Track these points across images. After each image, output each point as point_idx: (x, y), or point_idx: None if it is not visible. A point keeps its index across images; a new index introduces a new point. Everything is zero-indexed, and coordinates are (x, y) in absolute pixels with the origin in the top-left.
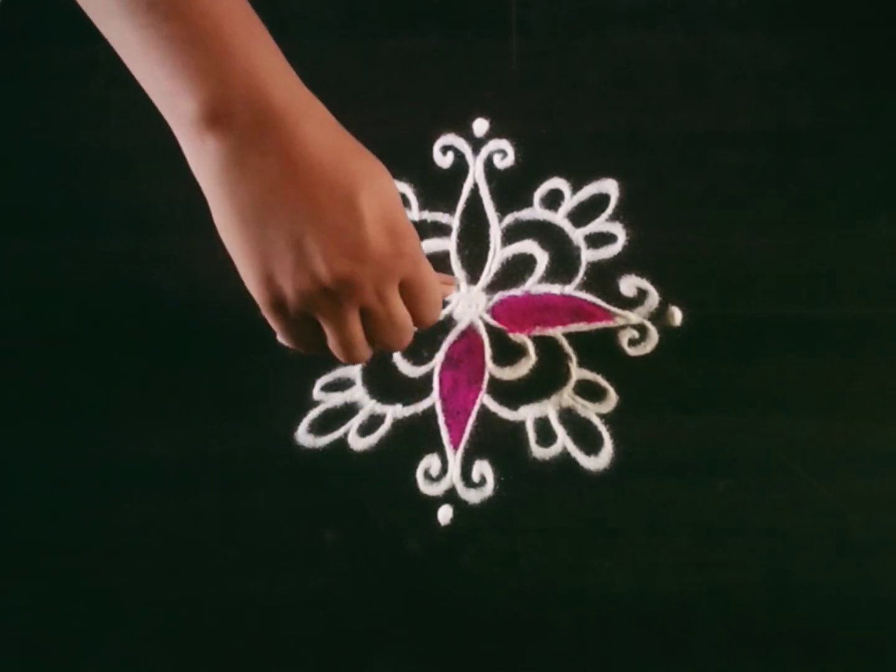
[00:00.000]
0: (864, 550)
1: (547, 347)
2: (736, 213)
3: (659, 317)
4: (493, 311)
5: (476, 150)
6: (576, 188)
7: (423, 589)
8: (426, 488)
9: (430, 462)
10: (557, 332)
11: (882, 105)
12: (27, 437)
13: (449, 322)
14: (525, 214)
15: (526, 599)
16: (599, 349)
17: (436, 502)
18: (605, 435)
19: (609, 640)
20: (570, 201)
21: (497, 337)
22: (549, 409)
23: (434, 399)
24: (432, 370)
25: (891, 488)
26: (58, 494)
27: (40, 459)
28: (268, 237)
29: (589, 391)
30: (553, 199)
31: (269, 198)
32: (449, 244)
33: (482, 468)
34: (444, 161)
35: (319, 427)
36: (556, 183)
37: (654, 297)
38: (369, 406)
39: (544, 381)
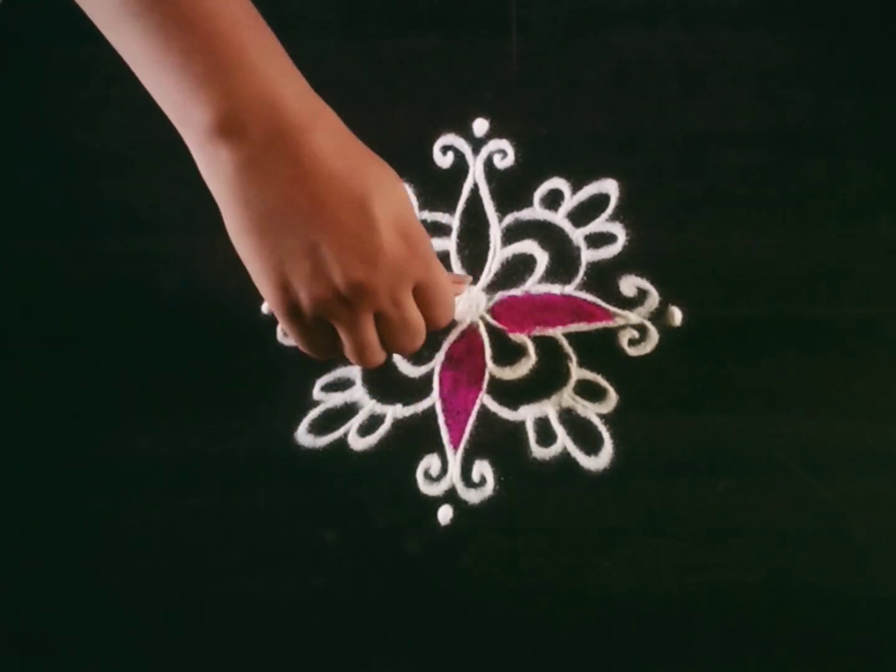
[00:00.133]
0: (864, 550)
1: (547, 347)
2: (736, 213)
3: (659, 317)
4: (494, 311)
5: (476, 150)
6: (576, 188)
7: (423, 589)
8: (426, 488)
9: (430, 462)
10: (557, 332)
11: (882, 105)
12: (27, 437)
13: (449, 322)
14: (525, 214)
15: (526, 599)
16: (599, 349)
17: (436, 502)
18: (605, 435)
19: (609, 640)
20: (570, 201)
21: (497, 337)
22: (549, 409)
23: (434, 399)
24: (432, 370)
25: (891, 488)
26: (58, 494)
27: (40, 459)
28: (282, 245)
29: (589, 391)
30: (553, 199)
31: (283, 206)
32: (449, 244)
33: (482, 468)
34: (444, 161)
35: (319, 427)
36: (556, 183)
37: (654, 297)
38: (369, 406)
39: (544, 381)
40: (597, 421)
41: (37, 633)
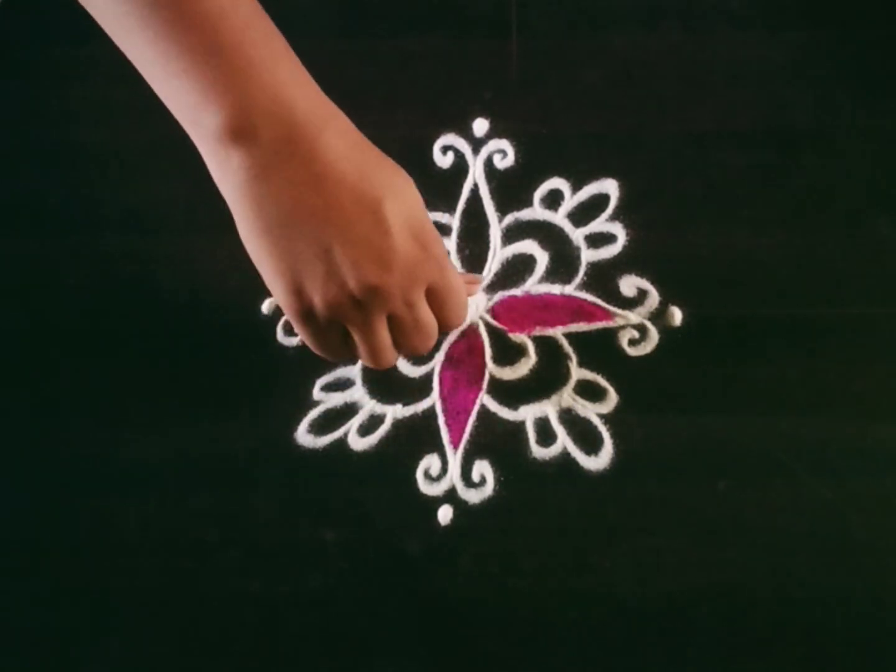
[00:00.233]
0: (864, 550)
1: (547, 347)
2: (736, 213)
3: (659, 317)
4: (494, 311)
5: (476, 150)
6: (576, 188)
7: (423, 589)
8: (426, 488)
9: (430, 462)
10: (557, 332)
11: (882, 105)
12: (27, 437)
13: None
14: (525, 214)
15: (526, 599)
16: (599, 349)
17: (436, 502)
18: (605, 435)
19: (609, 640)
20: (570, 201)
21: (497, 337)
22: (549, 409)
23: (434, 399)
24: (432, 370)
25: (891, 488)
26: (58, 494)
27: (40, 459)
28: (296, 249)
29: (589, 391)
30: (553, 199)
31: (296, 210)
32: (449, 244)
33: (482, 468)
34: (444, 161)
35: (319, 427)
36: (556, 183)
37: (654, 297)
38: (369, 406)
39: (544, 381)
40: (597, 421)
41: (37, 633)
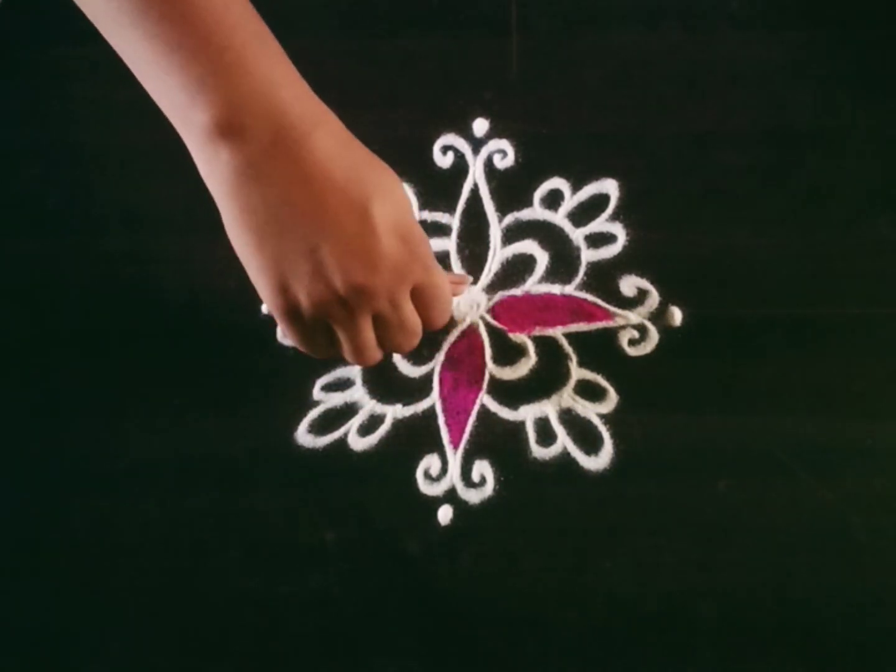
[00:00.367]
0: (864, 550)
1: (547, 347)
2: (736, 213)
3: (659, 317)
4: (494, 311)
5: (476, 150)
6: (576, 188)
7: (423, 589)
8: (426, 488)
9: (430, 462)
10: (557, 332)
11: (882, 105)
12: (27, 437)
13: (449, 322)
14: (525, 214)
15: (526, 599)
16: (599, 349)
17: (436, 502)
18: (605, 435)
19: (609, 640)
20: (570, 201)
21: (497, 337)
22: (549, 409)
23: (434, 399)
24: (432, 370)
25: (891, 488)
26: (58, 494)
27: (40, 459)
28: (282, 247)
29: (589, 391)
30: (553, 199)
31: (284, 209)
32: (449, 244)
33: (482, 468)
34: (444, 161)
35: (319, 427)
36: (556, 183)
37: (654, 297)
38: (369, 406)
39: (544, 381)
40: (597, 421)
41: (37, 633)
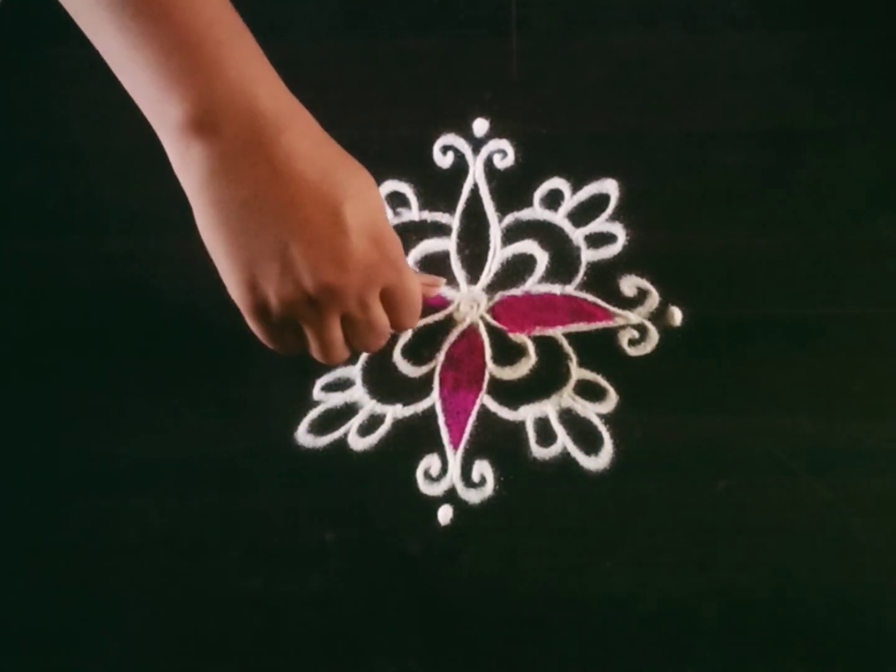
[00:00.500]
0: (864, 550)
1: (547, 347)
2: (736, 213)
3: (659, 317)
4: (494, 311)
5: (476, 150)
6: (576, 188)
7: (423, 589)
8: (426, 488)
9: (430, 462)
10: (557, 332)
11: (882, 105)
12: (27, 437)
13: (449, 322)
14: (525, 214)
15: (526, 599)
16: (599, 349)
17: (436, 502)
18: (605, 435)
19: (609, 641)
20: (570, 201)
21: (497, 337)
22: (549, 409)
23: (434, 399)
24: (433, 370)
25: (891, 488)
26: (58, 494)
27: (40, 459)
28: (252, 245)
29: (589, 391)
30: (553, 199)
31: (254, 206)
32: (449, 244)
33: (482, 468)
34: (444, 161)
35: (319, 427)
36: (556, 183)
37: (654, 297)
38: (369, 406)
39: (544, 381)
40: (597, 421)
41: (37, 633)
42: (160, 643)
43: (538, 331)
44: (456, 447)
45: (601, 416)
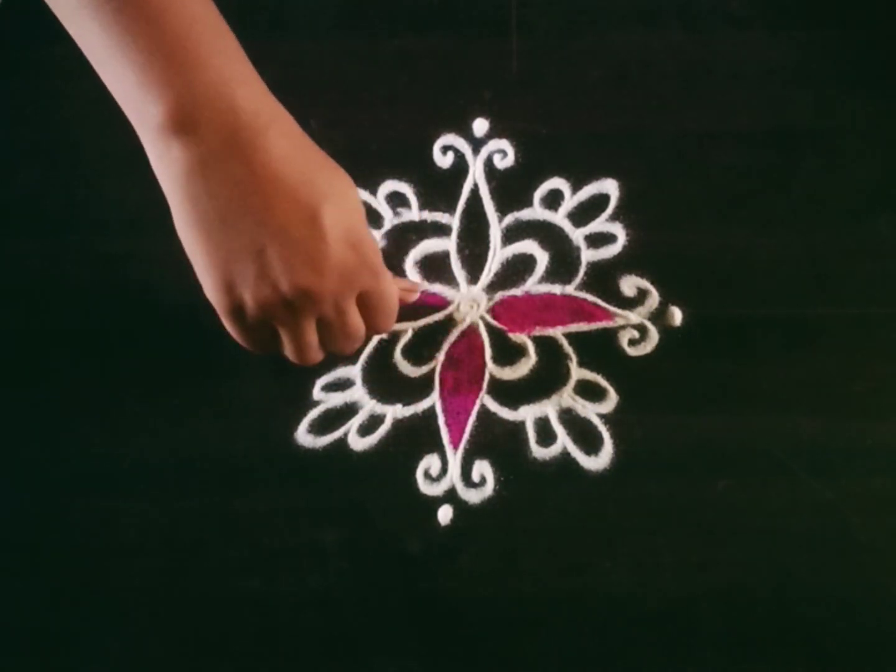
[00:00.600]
0: (864, 550)
1: (547, 347)
2: (736, 213)
3: (659, 317)
4: (494, 311)
5: (476, 150)
6: (576, 188)
7: (423, 589)
8: (426, 488)
9: (430, 462)
10: (557, 332)
11: (882, 105)
12: (27, 437)
13: (449, 322)
14: (525, 214)
15: (526, 599)
16: (599, 349)
17: (436, 502)
18: (605, 435)
19: (609, 640)
20: (570, 201)
21: (497, 337)
22: (549, 409)
23: (434, 399)
24: (433, 370)
25: (891, 488)
26: (58, 494)
27: (40, 459)
28: (229, 246)
29: (589, 391)
30: (553, 199)
31: (233, 207)
32: (449, 244)
33: (482, 468)
34: (444, 161)
35: (319, 427)
36: (556, 183)
37: (654, 297)
38: (369, 406)
39: (544, 381)
40: (597, 421)
41: (37, 633)
42: (160, 643)
43: (538, 331)
44: (456, 447)
45: (601, 416)
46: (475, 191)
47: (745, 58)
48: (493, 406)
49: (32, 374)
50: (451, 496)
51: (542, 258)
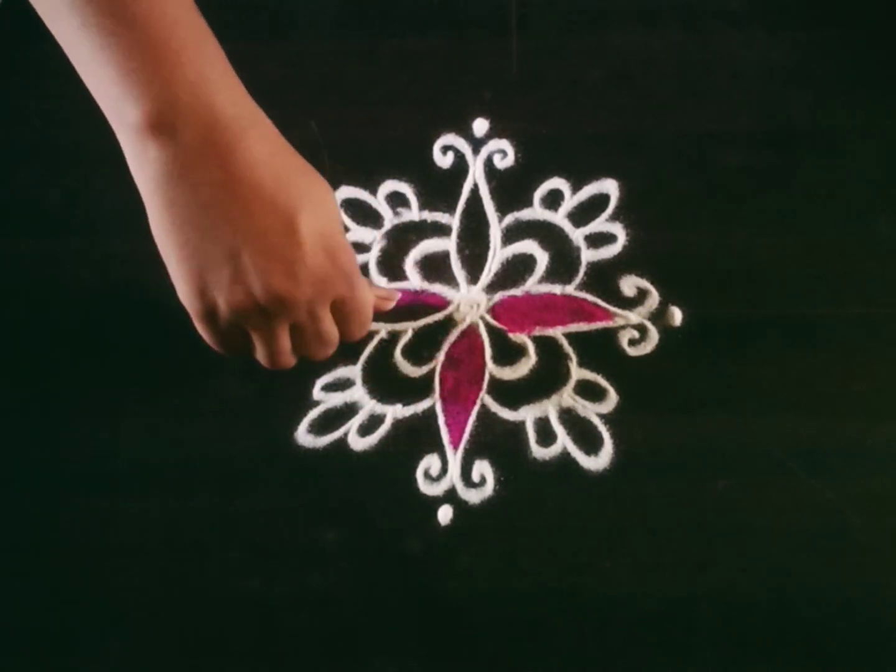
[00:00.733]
0: (864, 550)
1: (547, 347)
2: (736, 213)
3: (659, 317)
4: (494, 311)
5: (476, 150)
6: (576, 188)
7: (423, 589)
8: (426, 488)
9: (430, 462)
10: (557, 332)
11: (882, 105)
12: (27, 437)
13: (449, 322)
14: (525, 214)
15: (526, 599)
16: (599, 349)
17: (436, 502)
18: (605, 435)
19: (609, 640)
20: (570, 201)
21: (497, 337)
22: (549, 409)
23: (434, 399)
24: (433, 370)
25: (891, 488)
26: (58, 494)
27: (40, 459)
28: (204, 249)
29: (589, 391)
30: (553, 199)
31: (209, 211)
32: (449, 244)
33: (482, 468)
34: (444, 161)
35: (319, 427)
36: (556, 183)
37: (654, 297)
38: (369, 406)
39: (544, 381)
40: (597, 421)
41: (37, 633)
42: (160, 643)
43: (538, 331)
44: (456, 447)
45: (601, 416)
46: (475, 191)
47: (745, 58)
48: (493, 406)
49: (32, 374)
50: (451, 496)
51: (542, 258)
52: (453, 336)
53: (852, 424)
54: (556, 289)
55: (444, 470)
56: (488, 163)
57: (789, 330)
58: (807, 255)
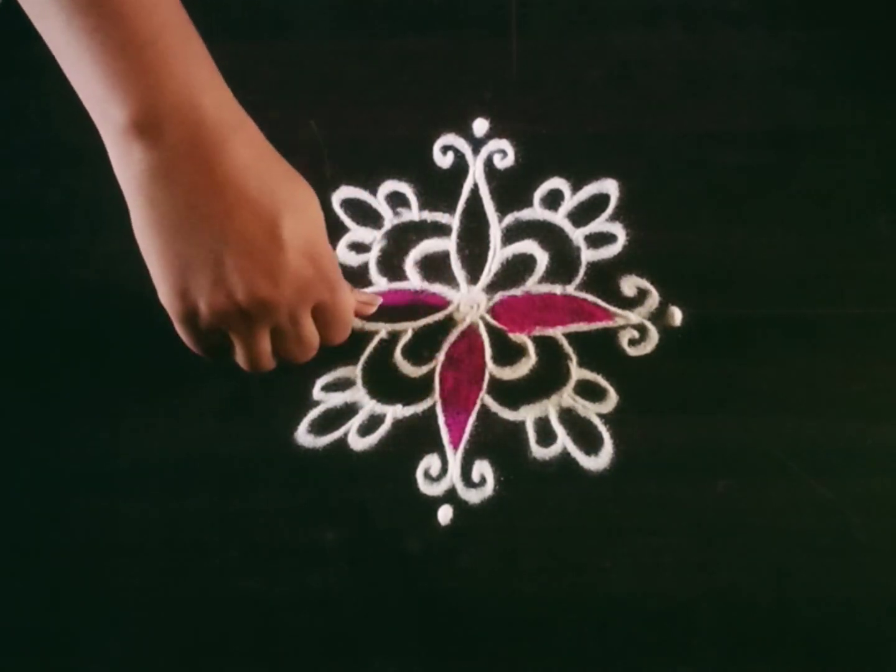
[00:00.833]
0: (864, 550)
1: (547, 347)
2: (736, 213)
3: (659, 317)
4: (494, 311)
5: (476, 150)
6: (576, 188)
7: (423, 589)
8: (426, 488)
9: (430, 462)
10: (557, 332)
11: (882, 105)
12: (27, 437)
13: (449, 322)
14: (525, 214)
15: (526, 599)
16: (599, 349)
17: (436, 502)
18: (605, 435)
19: (609, 640)
20: (570, 201)
21: (497, 337)
22: (549, 409)
23: (434, 399)
24: (433, 370)
25: (891, 488)
26: (58, 494)
27: (40, 459)
28: (187, 252)
29: (589, 391)
30: (553, 199)
31: (192, 213)
32: (449, 244)
33: (482, 468)
34: (444, 161)
35: (319, 427)
36: (556, 183)
37: (654, 297)
38: (369, 406)
39: (544, 381)
40: (597, 421)
41: (37, 633)
42: (160, 643)
43: (538, 331)
44: (456, 447)
45: (601, 416)
46: (475, 191)
47: (745, 58)
48: (494, 406)
49: (32, 375)
50: (451, 496)
51: (542, 258)
52: (453, 336)
53: (852, 424)
54: (556, 289)
55: (444, 470)
56: (488, 163)
57: (789, 330)
58: (807, 255)
